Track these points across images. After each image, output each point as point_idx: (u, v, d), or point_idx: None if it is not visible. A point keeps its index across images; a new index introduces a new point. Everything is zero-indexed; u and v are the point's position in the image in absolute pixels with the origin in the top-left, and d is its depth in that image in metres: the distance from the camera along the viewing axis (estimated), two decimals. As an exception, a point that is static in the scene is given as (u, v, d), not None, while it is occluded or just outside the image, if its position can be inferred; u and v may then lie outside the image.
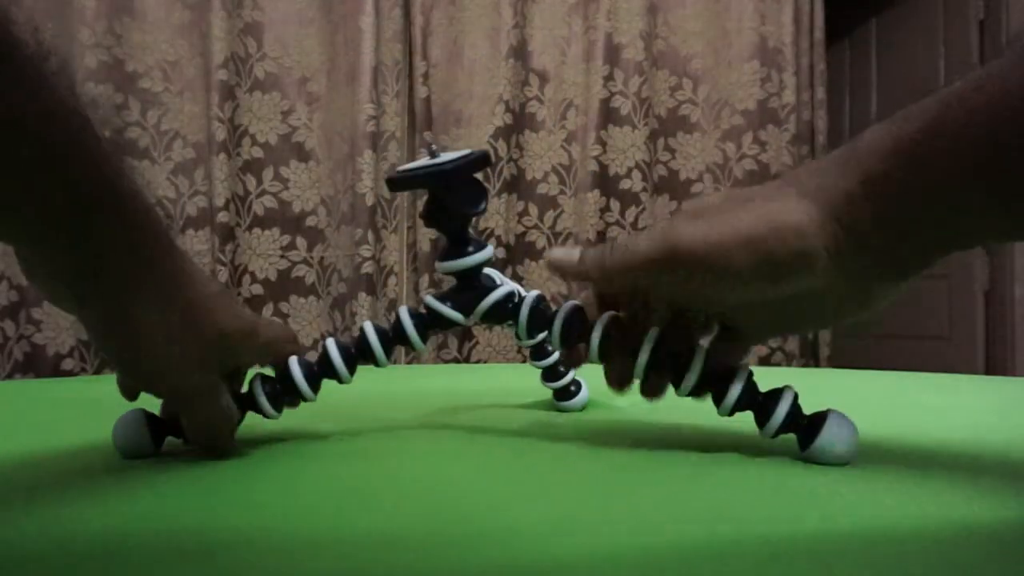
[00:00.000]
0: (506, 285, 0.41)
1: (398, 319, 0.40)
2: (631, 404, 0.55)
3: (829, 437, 0.35)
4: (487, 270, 0.41)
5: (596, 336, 0.37)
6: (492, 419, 0.51)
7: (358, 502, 0.30)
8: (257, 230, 1.66)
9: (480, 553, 0.24)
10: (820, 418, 0.36)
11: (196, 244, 1.62)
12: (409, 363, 1.72)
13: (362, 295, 1.65)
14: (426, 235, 1.71)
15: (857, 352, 2.30)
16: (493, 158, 1.69)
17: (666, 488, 0.32)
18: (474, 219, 0.41)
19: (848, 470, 0.34)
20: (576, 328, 0.38)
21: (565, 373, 0.53)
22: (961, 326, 2.18)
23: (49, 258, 0.31)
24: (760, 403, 0.37)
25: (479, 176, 0.39)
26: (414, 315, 0.40)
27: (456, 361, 1.72)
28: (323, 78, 1.70)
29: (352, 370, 0.39)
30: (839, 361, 1.87)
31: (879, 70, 2.51)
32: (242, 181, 1.66)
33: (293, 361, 0.39)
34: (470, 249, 0.39)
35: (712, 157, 1.82)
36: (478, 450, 0.41)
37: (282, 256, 1.67)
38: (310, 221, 1.69)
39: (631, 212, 1.77)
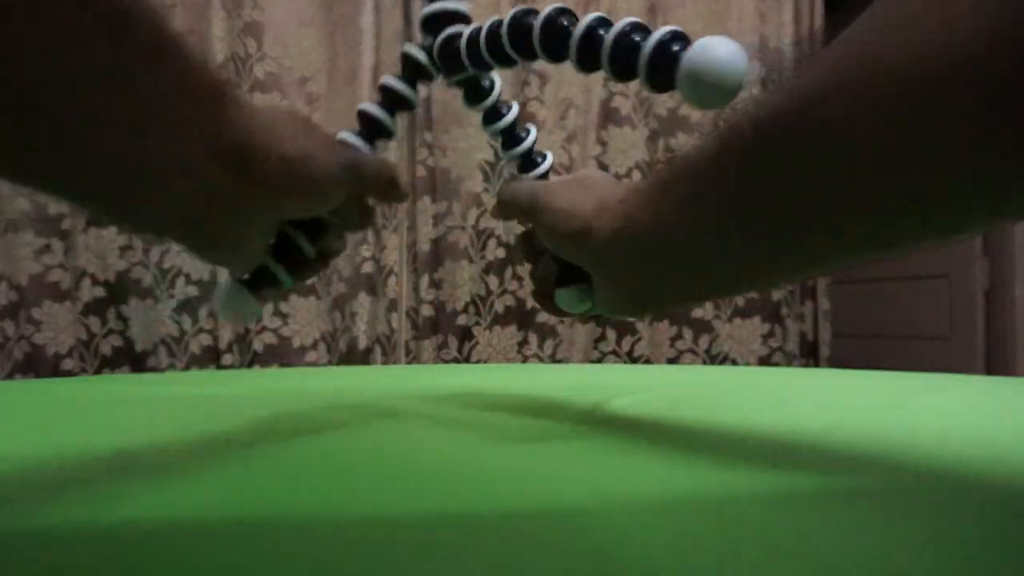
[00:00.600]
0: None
1: (383, 86, 0.43)
2: (633, 403, 0.55)
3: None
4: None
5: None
6: (492, 419, 0.51)
7: (358, 502, 0.30)
8: (257, 230, 1.66)
9: (481, 553, 0.24)
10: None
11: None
12: (409, 363, 1.72)
13: (362, 295, 1.65)
14: (426, 235, 1.71)
15: (857, 352, 2.30)
16: (492, 158, 1.69)
17: (670, 489, 0.32)
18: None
19: (845, 468, 0.34)
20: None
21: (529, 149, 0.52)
22: (961, 326, 2.18)
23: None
24: None
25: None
26: (396, 76, 0.44)
27: (456, 361, 1.72)
28: (323, 78, 1.70)
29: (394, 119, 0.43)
30: (839, 361, 1.87)
31: (879, 70, 2.51)
32: (242, 181, 1.66)
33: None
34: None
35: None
36: (479, 450, 0.41)
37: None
38: (310, 221, 1.69)
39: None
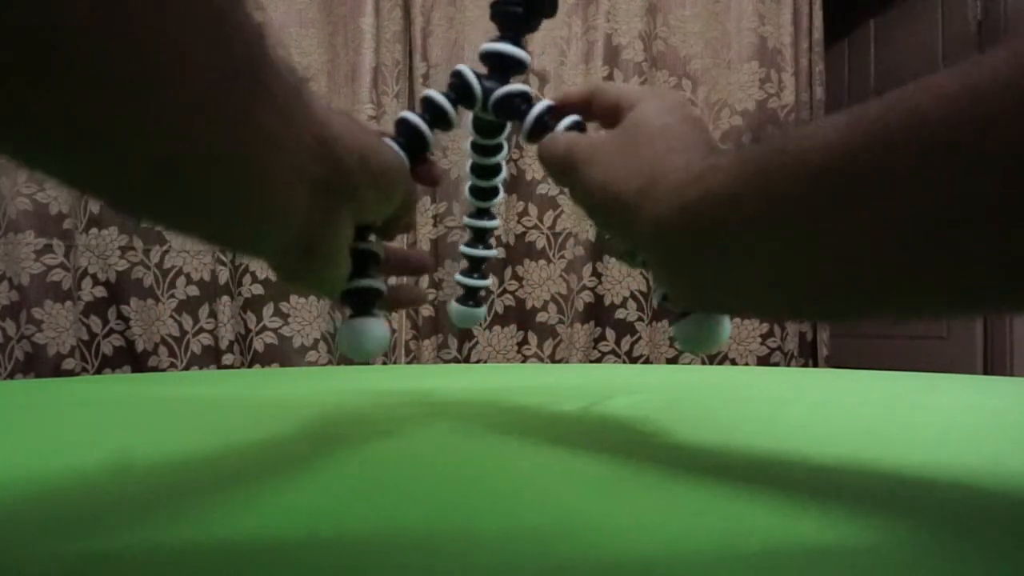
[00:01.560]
0: (526, 87, 0.43)
1: (427, 98, 0.43)
2: (633, 403, 0.55)
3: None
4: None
5: None
6: (493, 419, 0.51)
7: (360, 504, 0.30)
8: (257, 230, 1.66)
9: (482, 555, 0.24)
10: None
11: (197, 244, 1.62)
12: (409, 363, 1.72)
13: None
14: (426, 235, 1.71)
15: (856, 352, 2.30)
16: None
17: (669, 489, 0.32)
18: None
19: (844, 468, 0.35)
20: (544, 126, 0.41)
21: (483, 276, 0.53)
22: (960, 326, 2.19)
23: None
24: None
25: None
26: (443, 93, 0.42)
27: (456, 361, 1.72)
28: (323, 78, 1.70)
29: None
30: (838, 361, 1.87)
31: (878, 71, 2.52)
32: (242, 181, 1.66)
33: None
34: (515, 44, 0.42)
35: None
36: (479, 450, 0.41)
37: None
38: (310, 221, 1.69)
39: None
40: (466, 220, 0.52)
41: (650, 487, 0.32)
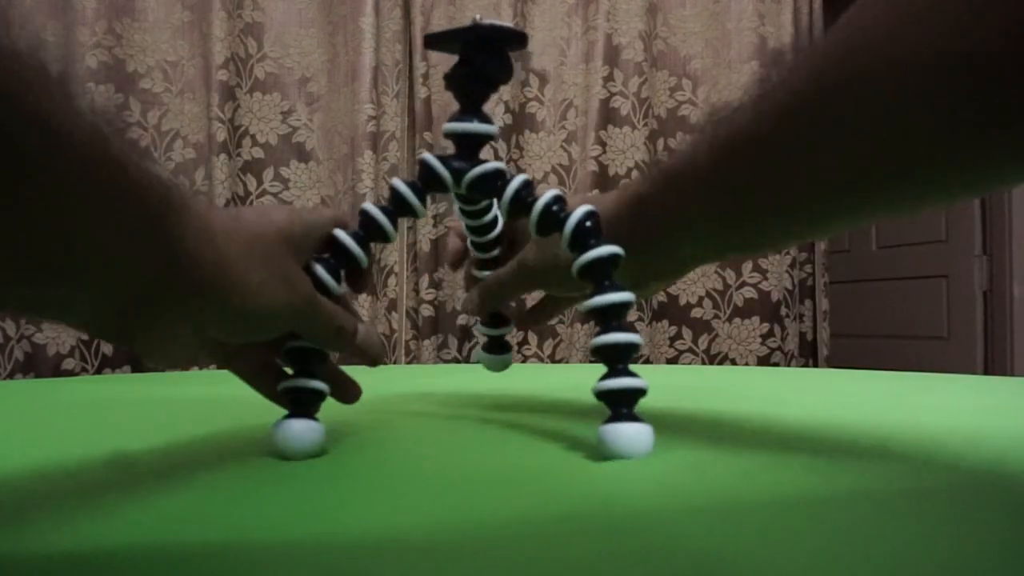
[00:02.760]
0: (498, 164, 0.42)
1: (392, 188, 0.41)
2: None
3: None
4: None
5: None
6: (493, 420, 0.51)
7: (360, 504, 0.30)
8: (257, 230, 1.66)
9: (483, 555, 0.24)
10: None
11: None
12: (409, 363, 1.72)
13: (362, 295, 1.65)
14: (426, 235, 1.71)
15: (856, 352, 2.31)
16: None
17: (670, 489, 0.32)
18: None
19: (844, 468, 0.35)
20: (554, 221, 0.40)
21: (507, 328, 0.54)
22: (960, 326, 2.19)
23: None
24: None
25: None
26: (407, 182, 0.41)
27: (456, 361, 1.72)
28: (323, 78, 1.70)
29: (366, 251, 0.40)
30: (838, 361, 1.87)
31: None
32: (242, 181, 1.66)
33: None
34: (478, 119, 0.41)
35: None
36: (479, 450, 0.41)
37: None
38: (310, 221, 1.69)
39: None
40: (474, 272, 0.53)
41: (650, 487, 0.32)
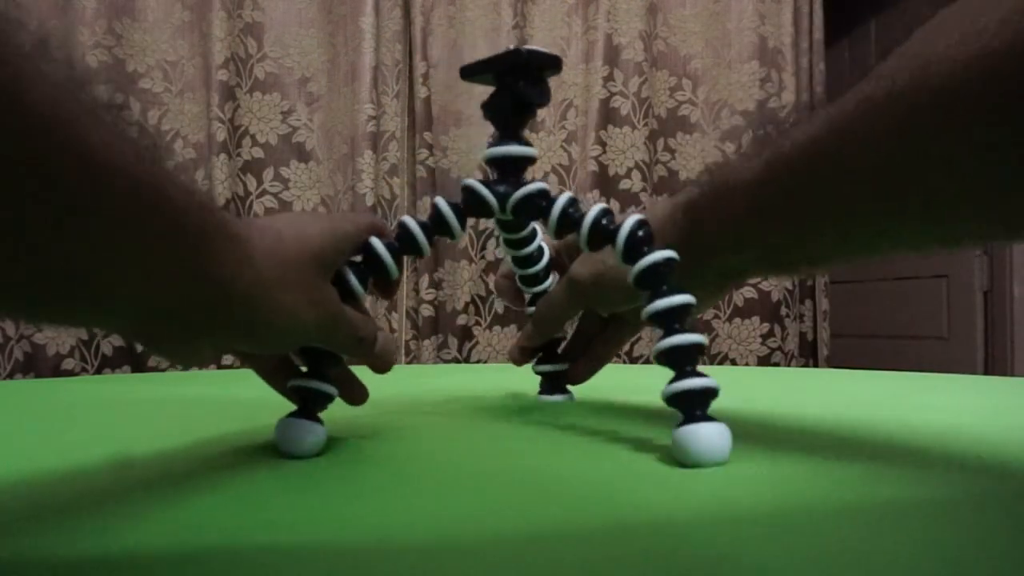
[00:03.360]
0: (542, 184, 0.42)
1: (436, 207, 0.41)
2: (632, 403, 0.55)
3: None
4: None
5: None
6: (493, 420, 0.51)
7: (360, 504, 0.30)
8: (257, 230, 1.66)
9: (484, 555, 0.24)
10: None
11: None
12: (409, 363, 1.72)
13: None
14: (426, 235, 1.71)
15: (856, 352, 2.30)
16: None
17: (670, 489, 0.32)
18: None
19: (844, 467, 0.35)
20: (605, 234, 0.39)
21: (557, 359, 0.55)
22: (961, 326, 2.19)
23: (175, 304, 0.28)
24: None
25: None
26: (451, 203, 0.41)
27: (456, 361, 1.72)
28: (323, 78, 1.70)
29: (399, 263, 0.40)
30: (838, 361, 1.87)
31: (878, 70, 2.51)
32: (242, 181, 1.66)
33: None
34: (517, 142, 0.42)
35: (712, 157, 1.82)
36: (479, 450, 0.41)
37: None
38: (310, 221, 1.69)
39: (629, 213, 1.77)
40: (528, 310, 0.53)
41: (651, 487, 0.32)
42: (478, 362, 1.72)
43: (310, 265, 0.34)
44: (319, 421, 0.37)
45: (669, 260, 0.38)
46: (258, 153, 1.67)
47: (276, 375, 0.40)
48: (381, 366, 0.41)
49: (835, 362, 1.87)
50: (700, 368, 0.37)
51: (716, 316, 1.79)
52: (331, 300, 0.36)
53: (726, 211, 0.39)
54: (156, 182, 0.25)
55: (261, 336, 0.33)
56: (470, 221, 0.48)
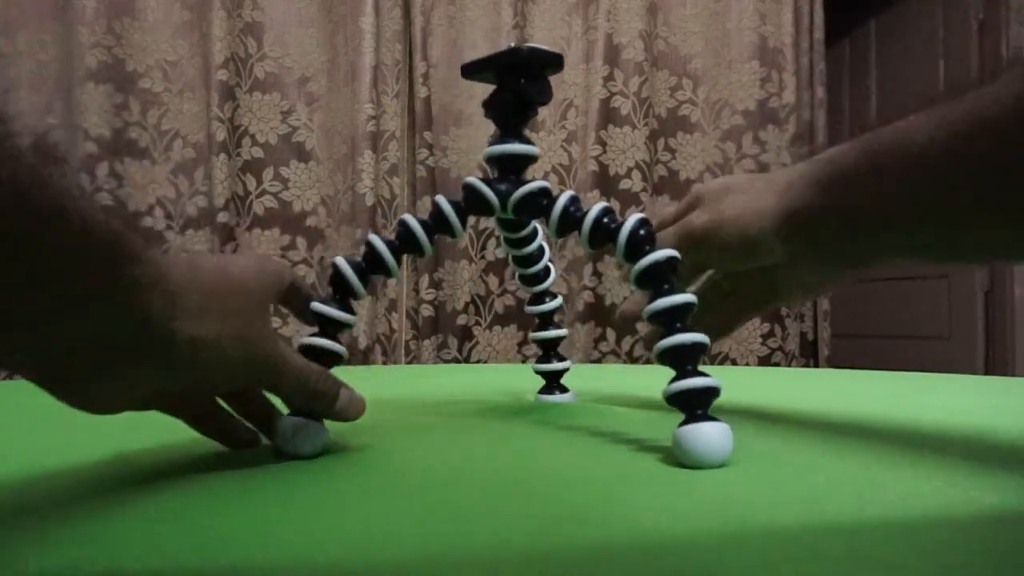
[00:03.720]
0: (543, 182, 0.42)
1: (436, 205, 0.41)
2: (632, 403, 0.55)
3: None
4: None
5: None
6: (493, 420, 0.51)
7: (360, 505, 0.30)
8: (257, 230, 1.66)
9: (484, 555, 0.24)
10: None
11: (196, 244, 1.62)
12: (409, 363, 1.72)
13: (362, 296, 1.65)
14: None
15: (857, 352, 2.30)
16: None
17: (670, 490, 0.32)
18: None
19: (844, 467, 0.34)
20: (606, 233, 0.39)
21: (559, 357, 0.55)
22: (961, 326, 2.19)
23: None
24: None
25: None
26: (452, 202, 0.41)
27: (456, 361, 1.72)
28: (323, 78, 1.70)
29: (399, 262, 0.41)
30: (838, 361, 1.87)
31: (879, 70, 2.51)
32: (242, 181, 1.66)
33: (340, 261, 0.39)
34: (519, 141, 0.42)
35: (712, 157, 1.82)
36: (479, 450, 0.41)
37: (282, 256, 1.67)
38: (310, 221, 1.69)
39: (631, 212, 1.77)
40: (528, 309, 0.53)
41: (651, 487, 0.32)
42: (478, 362, 1.72)
43: (236, 297, 0.32)
44: (320, 421, 0.37)
45: (671, 259, 0.38)
46: (258, 153, 1.67)
47: (200, 422, 0.38)
48: (341, 419, 0.38)
49: (836, 362, 1.87)
50: (701, 368, 0.36)
51: (716, 316, 1.79)
52: (265, 338, 0.33)
53: (879, 181, 0.34)
54: (54, 204, 0.23)
55: (181, 372, 0.30)
56: (470, 220, 0.48)
